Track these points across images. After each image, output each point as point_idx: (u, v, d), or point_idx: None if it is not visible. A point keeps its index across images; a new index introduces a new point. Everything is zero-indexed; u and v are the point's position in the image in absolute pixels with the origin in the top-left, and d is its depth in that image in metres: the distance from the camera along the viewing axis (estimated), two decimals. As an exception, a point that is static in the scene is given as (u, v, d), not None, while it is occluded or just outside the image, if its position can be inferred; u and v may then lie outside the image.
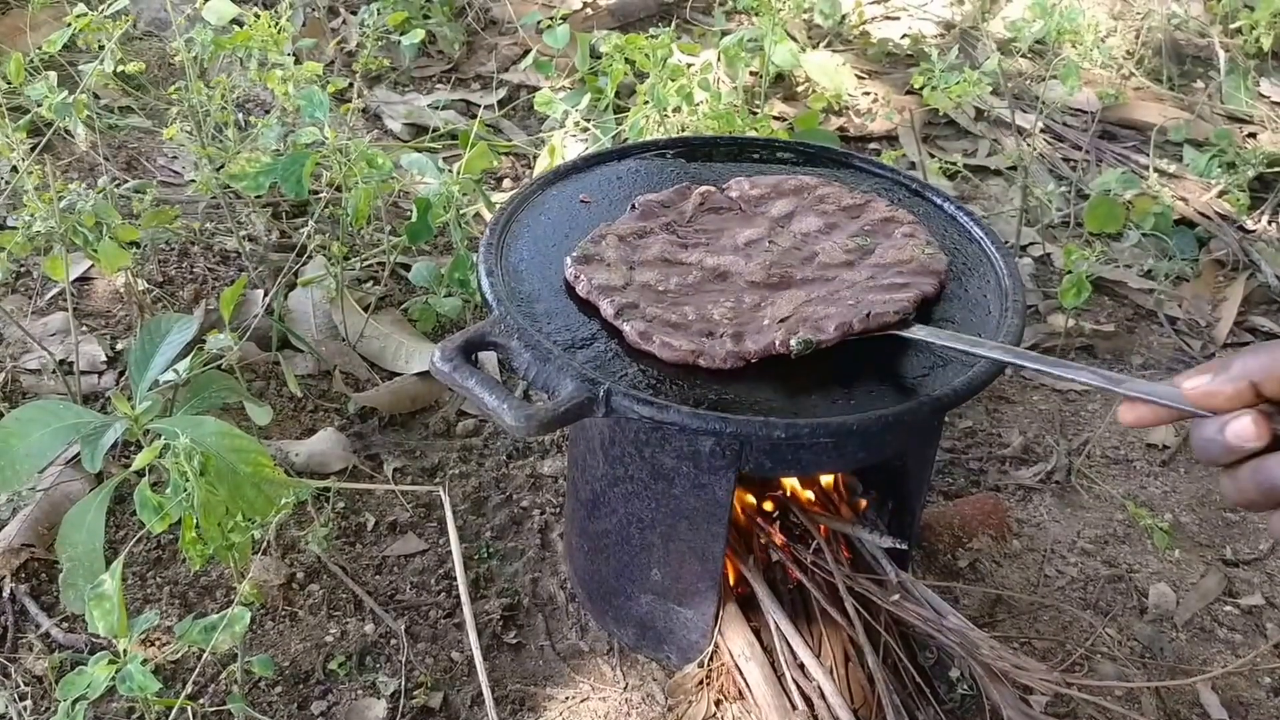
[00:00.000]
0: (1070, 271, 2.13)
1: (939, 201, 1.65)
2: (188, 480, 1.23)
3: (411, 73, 3.06)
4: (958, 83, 2.33)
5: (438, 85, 3.03)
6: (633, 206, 1.55)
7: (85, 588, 1.50)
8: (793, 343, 1.29)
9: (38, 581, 1.67)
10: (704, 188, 1.59)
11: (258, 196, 2.13)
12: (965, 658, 1.50)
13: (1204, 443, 0.90)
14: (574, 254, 1.45)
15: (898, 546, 1.58)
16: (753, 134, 2.35)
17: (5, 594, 1.64)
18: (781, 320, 1.33)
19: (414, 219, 1.93)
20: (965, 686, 1.60)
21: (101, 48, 1.79)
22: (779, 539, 1.60)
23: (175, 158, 2.58)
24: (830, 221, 1.53)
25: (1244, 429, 0.87)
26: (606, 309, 1.37)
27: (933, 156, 2.80)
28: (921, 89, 2.52)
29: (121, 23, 1.73)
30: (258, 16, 1.98)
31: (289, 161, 1.82)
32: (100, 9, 1.75)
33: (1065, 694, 1.50)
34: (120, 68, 1.76)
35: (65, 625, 1.61)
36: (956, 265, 1.50)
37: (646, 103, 2.29)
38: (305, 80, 1.87)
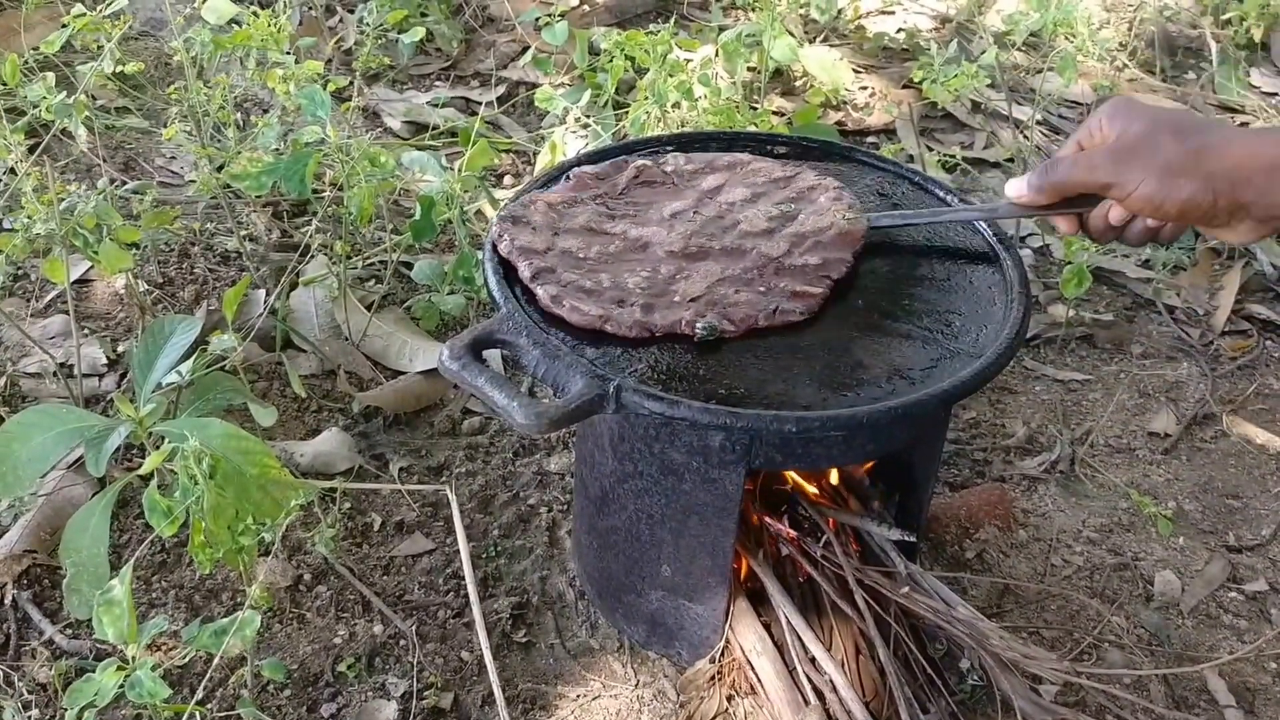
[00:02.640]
0: (1070, 262, 2.13)
1: (941, 194, 1.65)
2: (196, 483, 1.23)
3: (410, 70, 3.05)
4: (956, 76, 2.33)
5: (436, 83, 3.03)
6: (566, 177, 1.58)
7: (90, 593, 1.50)
8: (699, 327, 1.32)
9: (40, 588, 1.66)
10: (640, 161, 1.61)
11: (258, 196, 2.12)
12: (975, 648, 1.50)
13: (1096, 230, 1.34)
14: (501, 213, 1.48)
15: (906, 539, 1.58)
16: (753, 128, 2.34)
17: (8, 601, 1.63)
18: (693, 299, 1.36)
19: (417, 217, 1.93)
20: (975, 677, 1.60)
21: (100, 48, 1.78)
22: (789, 533, 1.60)
23: (174, 158, 2.57)
24: (757, 192, 1.55)
25: (1119, 214, 1.31)
26: (524, 271, 1.40)
27: (931, 150, 2.80)
28: (920, 83, 2.52)
29: (120, 23, 1.72)
30: (256, 15, 1.98)
31: (291, 161, 1.82)
32: (98, 9, 1.75)
33: (1074, 683, 1.50)
34: (119, 68, 1.75)
35: (69, 632, 1.60)
36: (942, 265, 1.51)
37: (647, 98, 2.29)
38: (306, 79, 1.86)
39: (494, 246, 1.44)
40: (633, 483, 1.49)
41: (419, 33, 2.30)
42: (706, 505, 1.44)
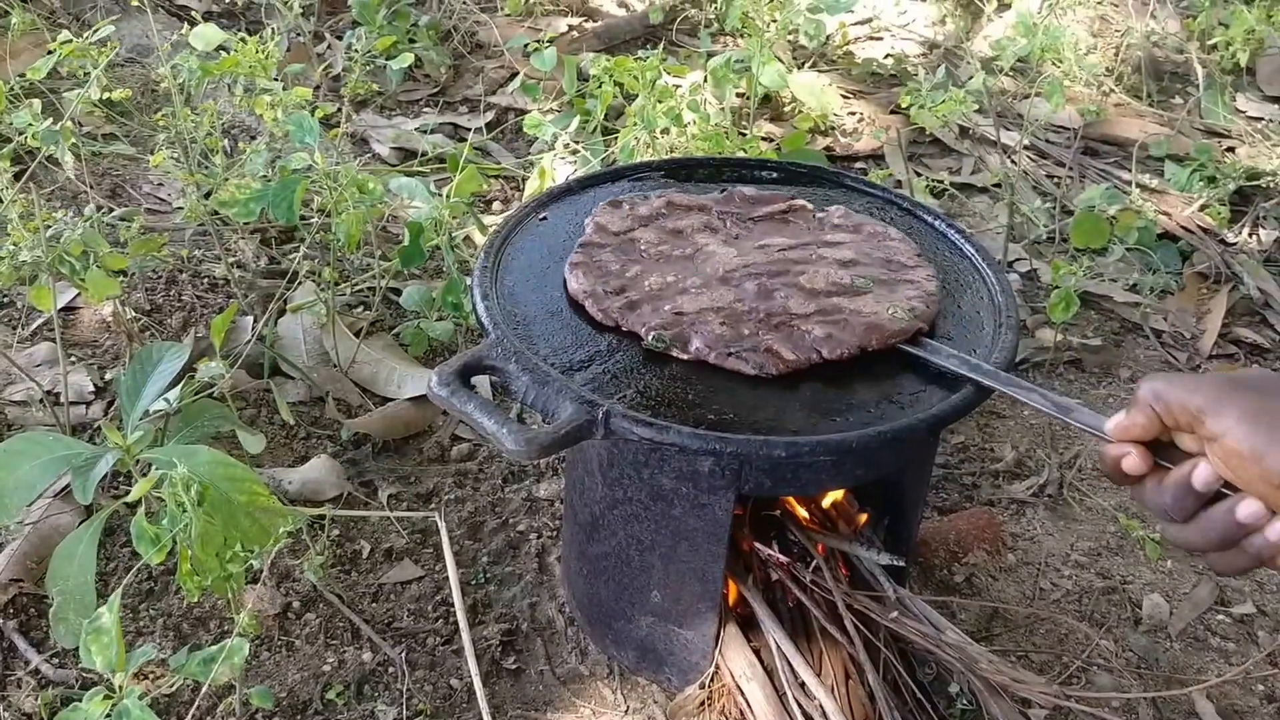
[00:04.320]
0: (1058, 287, 2.14)
1: (930, 219, 1.66)
2: (184, 511, 1.22)
3: (398, 97, 3.06)
4: (943, 102, 2.34)
5: (425, 109, 3.03)
6: (722, 189, 1.63)
7: (77, 622, 1.50)
8: (651, 336, 1.34)
9: (27, 617, 1.65)
10: (799, 200, 1.62)
11: (246, 223, 2.12)
12: (964, 672, 1.50)
13: (1171, 498, 0.97)
14: (612, 198, 1.56)
15: (895, 563, 1.58)
16: (742, 154, 2.35)
17: (-7, 628, 1.63)
18: (678, 313, 1.37)
19: (406, 243, 1.93)
20: (965, 701, 1.60)
21: (86, 75, 1.78)
22: (778, 558, 1.59)
23: (161, 185, 2.57)
24: (862, 261, 1.49)
25: (1208, 476, 0.95)
26: (581, 239, 1.50)
27: (919, 175, 2.81)
28: (907, 108, 2.53)
29: (107, 50, 1.72)
30: (244, 42, 1.98)
31: (280, 188, 1.82)
32: (85, 36, 1.75)
33: (1064, 706, 1.50)
34: (106, 95, 1.75)
35: (55, 661, 1.59)
36: (942, 307, 1.47)
37: (636, 124, 2.29)
38: (294, 105, 1.87)
39: (485, 268, 1.46)
40: (622, 509, 1.49)
41: (408, 59, 2.30)
42: (696, 531, 1.44)
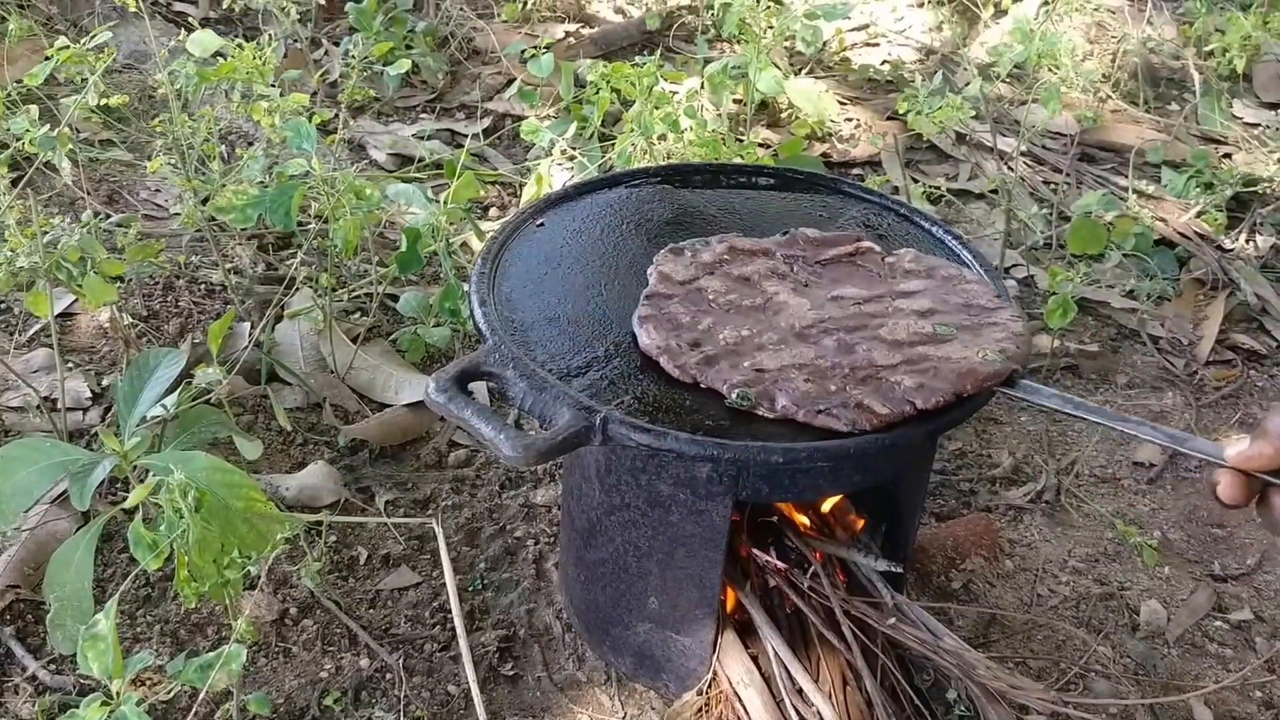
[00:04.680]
0: (1055, 293, 2.14)
1: (927, 225, 1.66)
2: (182, 517, 1.22)
3: (395, 103, 3.06)
4: (940, 108, 2.34)
5: (422, 115, 3.04)
6: (785, 232, 1.57)
7: (74, 628, 1.49)
8: (735, 394, 1.28)
9: (24, 623, 1.65)
10: (866, 242, 1.55)
11: (243, 229, 2.12)
12: (962, 679, 1.50)
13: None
14: (675, 244, 1.52)
15: (893, 569, 1.58)
16: (739, 160, 2.35)
17: (-10, 634, 1.63)
18: (759, 370, 1.31)
19: (403, 249, 1.93)
20: (962, 708, 1.60)
21: (83, 81, 1.78)
22: (776, 565, 1.59)
23: (158, 191, 2.57)
24: (940, 309, 1.43)
25: None
26: (646, 290, 1.44)
27: (915, 181, 2.81)
28: (904, 114, 2.53)
29: (105, 56, 1.72)
30: (241, 48, 1.98)
31: (277, 193, 1.82)
32: (82, 42, 1.75)
33: (1061, 713, 1.50)
34: (103, 101, 1.75)
35: (53, 667, 1.59)
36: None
37: (633, 130, 2.29)
38: (291, 111, 1.87)
39: (482, 274, 1.46)
40: (620, 515, 1.49)
41: (404, 65, 2.30)
42: (694, 537, 1.44)
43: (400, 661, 1.63)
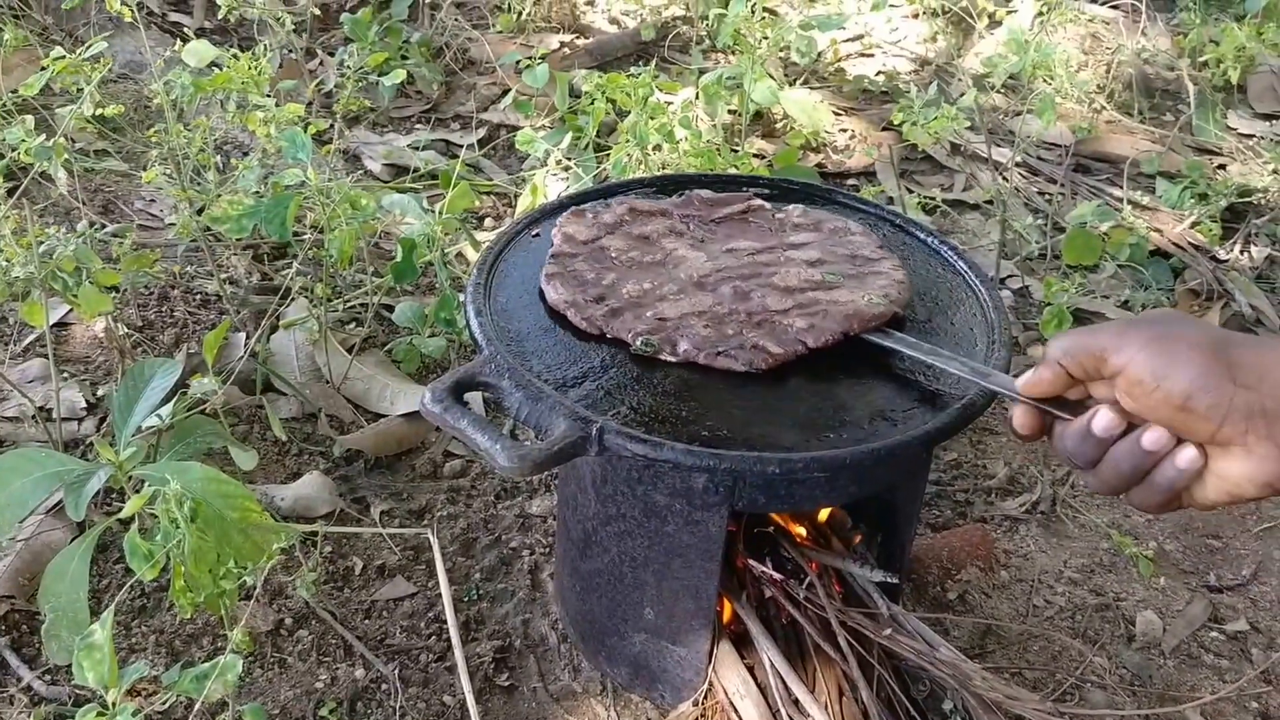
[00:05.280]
0: (1050, 304, 2.15)
1: (922, 236, 1.66)
2: (177, 527, 1.22)
3: (390, 113, 3.06)
4: (935, 118, 2.35)
5: (417, 125, 3.04)
6: (682, 193, 1.64)
7: (69, 639, 1.49)
8: (639, 341, 1.35)
9: (19, 634, 1.64)
10: (757, 200, 1.64)
11: (238, 239, 2.12)
12: (958, 689, 1.50)
13: (1073, 445, 1.02)
14: (576, 207, 1.58)
15: (889, 580, 1.57)
16: (734, 170, 2.36)
17: (-16, 646, 1.62)
18: (661, 319, 1.38)
19: (399, 259, 1.93)
20: (959, 719, 1.60)
21: (79, 91, 1.78)
22: (772, 575, 1.59)
23: (153, 201, 2.57)
24: (828, 259, 1.53)
25: (1107, 421, 0.98)
26: (551, 251, 1.51)
27: (910, 192, 2.82)
28: (899, 125, 2.54)
29: (100, 66, 1.72)
30: (236, 58, 1.98)
31: (272, 204, 1.82)
32: (78, 52, 1.75)
33: (1059, 725, 1.50)
34: (98, 111, 1.75)
35: (48, 678, 1.58)
36: (923, 306, 1.50)
37: (628, 141, 2.30)
38: (287, 121, 1.87)
39: (479, 284, 1.47)
40: (615, 525, 1.49)
41: (400, 75, 2.31)
42: (690, 547, 1.44)
43: (396, 672, 1.63)
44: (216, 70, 2.02)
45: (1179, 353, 0.93)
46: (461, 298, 1.54)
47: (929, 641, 1.56)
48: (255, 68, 1.91)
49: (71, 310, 2.13)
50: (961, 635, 1.76)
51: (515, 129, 2.92)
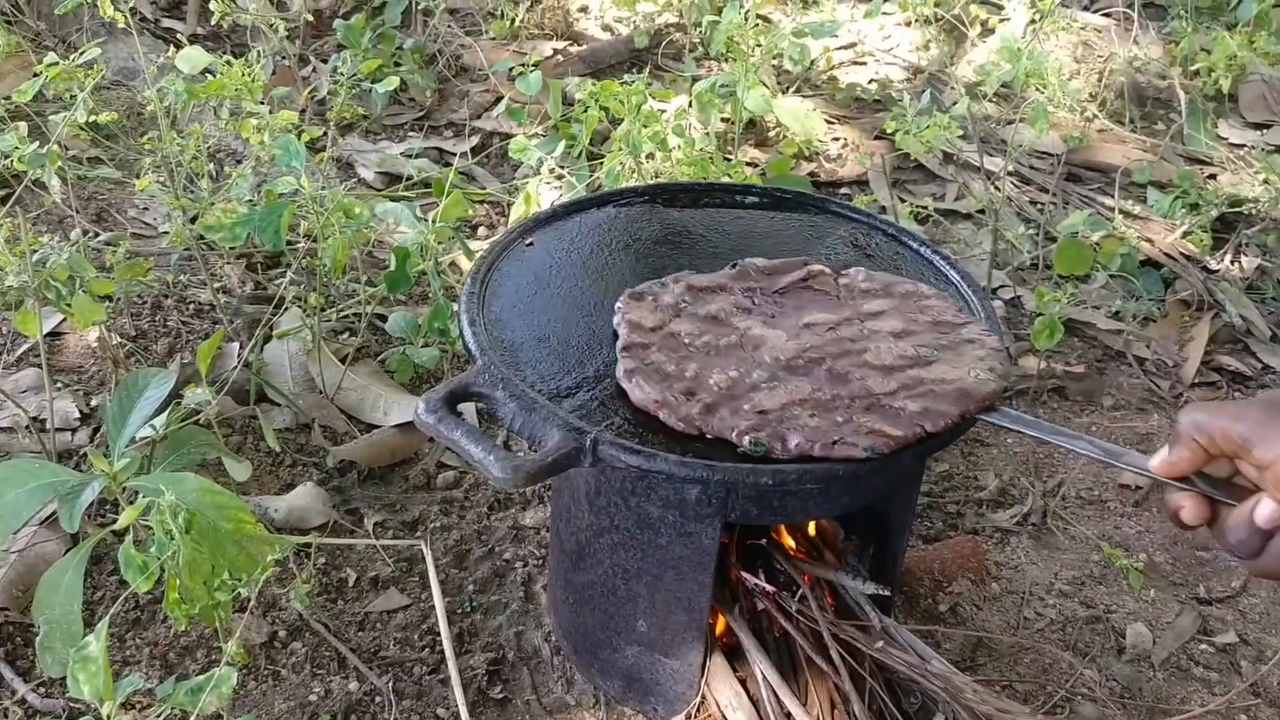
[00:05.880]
0: (1042, 314, 2.15)
1: (915, 246, 1.67)
2: (172, 538, 1.22)
3: (383, 120, 3.06)
4: (928, 127, 2.35)
5: (410, 133, 3.04)
6: (734, 264, 1.55)
7: (63, 651, 1.49)
8: (747, 440, 1.26)
9: (13, 646, 1.64)
10: (815, 265, 1.55)
11: (232, 248, 2.12)
12: (950, 703, 1.50)
13: (1236, 536, 0.98)
14: (633, 289, 1.48)
15: (881, 592, 1.58)
16: (727, 179, 2.36)
17: (-21, 658, 1.62)
18: (761, 411, 1.29)
19: (393, 268, 1.93)
20: (951, 731, 1.60)
21: (73, 98, 1.78)
22: (765, 588, 1.59)
23: (146, 209, 2.57)
24: (911, 329, 1.44)
25: (1270, 513, 0.95)
26: (620, 342, 1.39)
27: (903, 201, 2.82)
28: (893, 134, 2.54)
29: (94, 72, 1.72)
30: (229, 64, 1.98)
31: (266, 212, 1.82)
32: (71, 58, 1.75)
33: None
34: (92, 118, 1.75)
35: (42, 690, 1.58)
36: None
37: (621, 149, 2.30)
38: (280, 129, 1.87)
39: (472, 294, 1.46)
40: (609, 537, 1.49)
41: (393, 83, 2.31)
42: (683, 559, 1.44)
43: (389, 685, 1.63)
44: (210, 77, 2.01)
45: None
46: (455, 307, 1.54)
47: (921, 654, 1.57)
48: (249, 74, 1.91)
49: (65, 320, 2.13)
50: (953, 648, 1.76)
51: (508, 136, 2.93)
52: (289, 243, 2.11)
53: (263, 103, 2.00)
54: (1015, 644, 1.78)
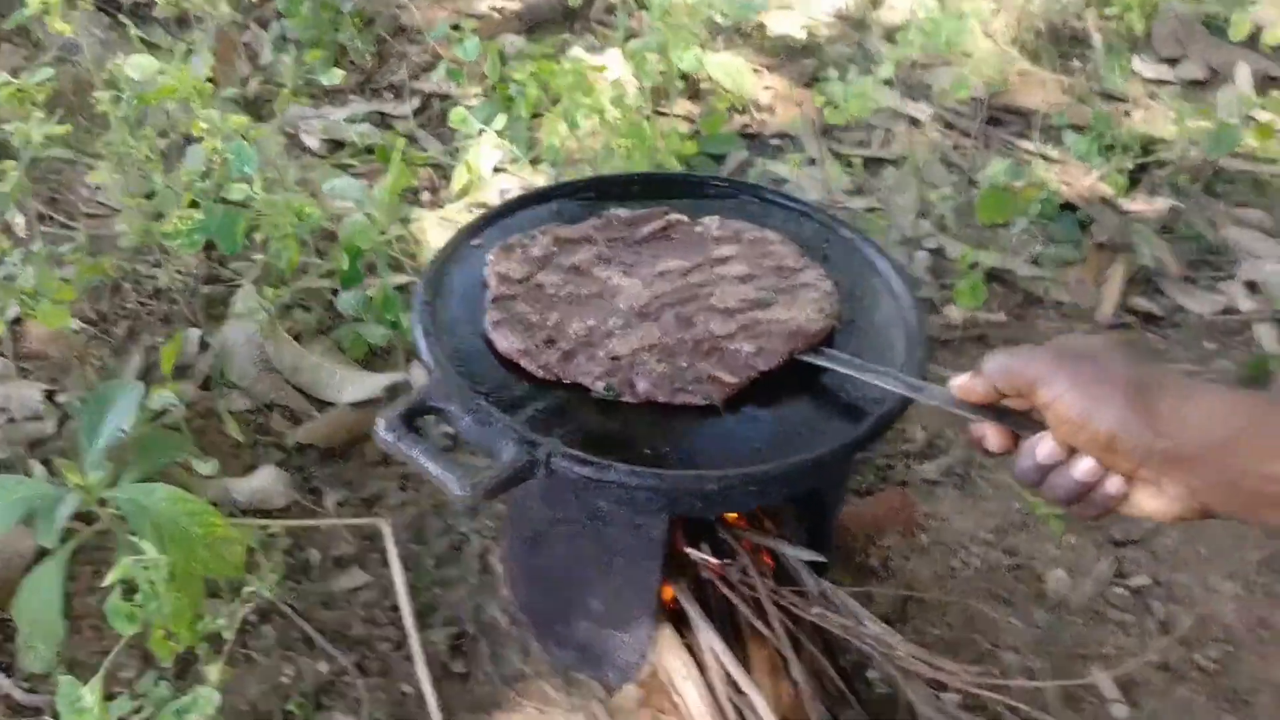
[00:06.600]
0: (971, 266, 2.25)
1: (846, 234, 1.74)
2: (156, 592, 1.30)
3: (325, 83, 3.08)
4: (854, 98, 2.43)
5: (351, 97, 3.06)
6: (599, 214, 1.67)
7: (45, 650, 1.58)
8: (600, 385, 1.40)
9: (-7, 642, 1.72)
10: (673, 215, 1.68)
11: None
12: (882, 660, 1.63)
13: (1020, 469, 1.11)
14: (503, 241, 1.59)
15: (816, 559, 1.69)
16: (661, 144, 2.42)
17: (-37, 657, 1.69)
18: (614, 358, 1.43)
19: (345, 267, 2.00)
20: (883, 686, 1.73)
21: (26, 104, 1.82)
22: (710, 561, 1.70)
23: (99, 189, 2.58)
24: (755, 273, 1.58)
25: (1048, 450, 1.07)
26: (489, 294, 1.52)
27: (833, 155, 2.90)
28: (824, 106, 2.61)
29: (45, 88, 1.76)
30: (171, 51, 2.02)
31: (223, 221, 1.87)
32: (23, 76, 1.79)
33: (972, 692, 1.63)
34: (49, 132, 1.79)
35: (26, 685, 1.66)
36: (853, 317, 1.57)
37: (559, 119, 2.36)
38: (232, 131, 1.91)
39: (425, 303, 1.53)
40: (562, 527, 1.59)
41: (337, 76, 2.36)
42: (633, 548, 1.55)
43: (356, 663, 1.73)
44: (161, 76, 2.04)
45: (1105, 396, 1.01)
46: (410, 315, 1.61)
47: (855, 615, 1.68)
48: (197, 79, 1.94)
49: (27, 308, 2.17)
50: (885, 601, 1.88)
51: (448, 97, 2.98)
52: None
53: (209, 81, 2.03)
54: (943, 596, 1.91)
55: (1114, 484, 1.05)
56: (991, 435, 1.15)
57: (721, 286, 1.55)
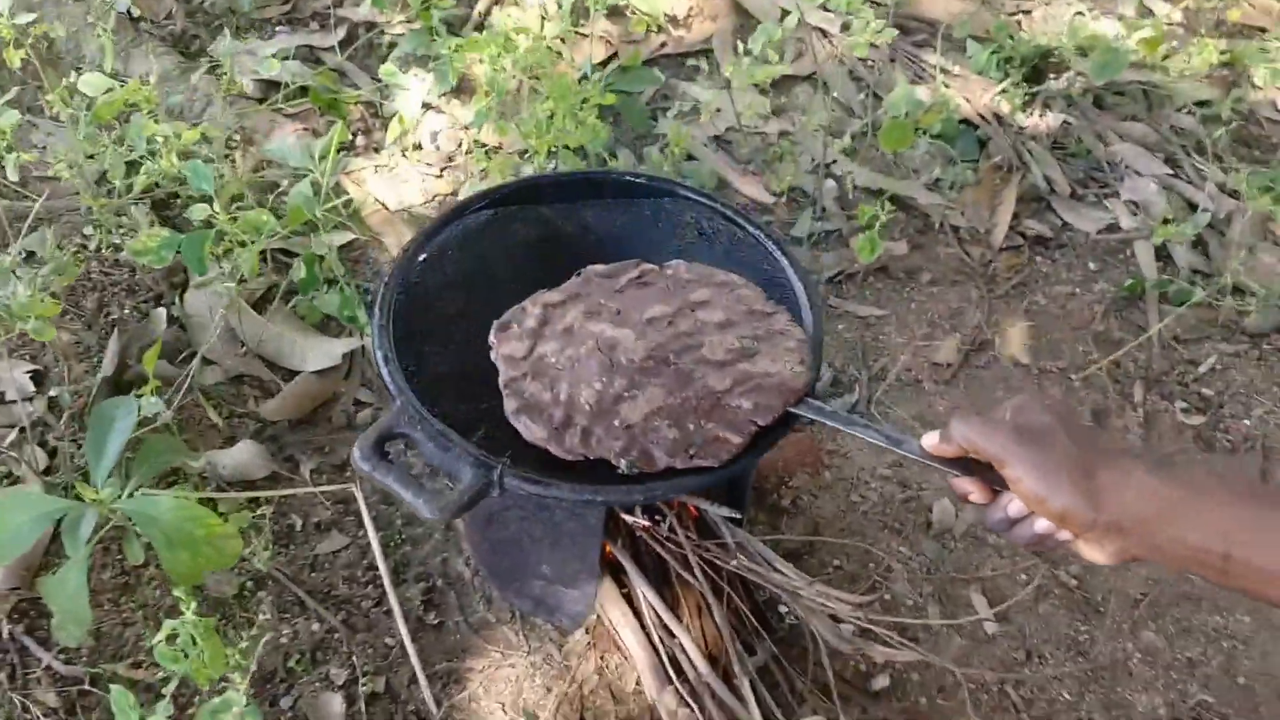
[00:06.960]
0: (879, 192, 2.44)
1: (751, 229, 1.94)
2: (187, 657, 1.54)
3: (251, 15, 3.17)
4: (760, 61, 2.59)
5: (278, 28, 3.16)
6: (577, 273, 1.79)
7: (77, 630, 1.83)
8: (623, 464, 1.54)
9: (30, 619, 1.95)
10: (646, 265, 1.81)
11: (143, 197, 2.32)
12: (791, 601, 1.93)
13: (994, 523, 1.35)
14: (500, 319, 1.71)
15: (733, 516, 1.97)
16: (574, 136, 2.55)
17: (4, 634, 1.92)
18: (628, 427, 1.57)
19: (303, 274, 2.18)
20: (792, 618, 2.03)
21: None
22: (642, 524, 1.97)
23: (51, 134, 2.68)
24: (732, 319, 1.70)
25: (1017, 509, 1.31)
26: (501, 379, 1.65)
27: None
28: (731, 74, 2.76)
29: (10, 133, 1.91)
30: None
31: (189, 241, 2.03)
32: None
33: (866, 625, 1.93)
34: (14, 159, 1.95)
35: (63, 657, 1.90)
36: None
37: (488, 94, 2.50)
38: (188, 146, 2.07)
39: (381, 327, 1.68)
40: (514, 512, 1.85)
41: (273, 66, 2.46)
42: (576, 530, 1.82)
43: (343, 620, 2.00)
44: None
45: (1056, 483, 1.21)
46: (367, 340, 1.81)
47: (768, 560, 1.97)
48: (150, 92, 2.09)
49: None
50: (794, 541, 2.17)
51: (375, 26, 3.09)
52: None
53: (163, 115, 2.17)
54: (844, 529, 2.20)
55: (1065, 536, 1.29)
56: (974, 492, 1.36)
57: (708, 336, 1.66)
